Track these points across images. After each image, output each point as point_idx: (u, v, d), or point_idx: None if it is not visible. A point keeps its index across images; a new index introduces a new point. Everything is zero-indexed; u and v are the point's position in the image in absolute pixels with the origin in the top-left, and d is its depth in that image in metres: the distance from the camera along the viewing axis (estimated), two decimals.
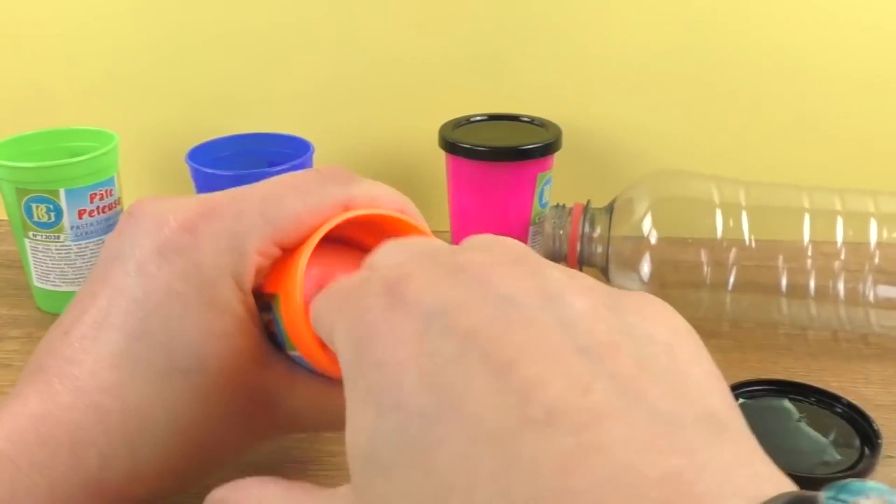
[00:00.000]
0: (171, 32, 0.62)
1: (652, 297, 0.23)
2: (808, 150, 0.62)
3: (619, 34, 0.61)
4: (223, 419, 0.31)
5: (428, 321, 0.21)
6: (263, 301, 0.33)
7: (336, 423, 0.31)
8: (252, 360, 0.32)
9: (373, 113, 0.64)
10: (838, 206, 0.48)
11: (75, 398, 0.29)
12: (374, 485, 0.21)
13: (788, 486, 0.17)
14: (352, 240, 0.34)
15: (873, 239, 0.47)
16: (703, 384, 0.20)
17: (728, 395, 0.20)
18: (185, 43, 0.63)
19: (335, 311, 0.25)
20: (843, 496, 0.16)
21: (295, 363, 0.33)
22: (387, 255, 0.26)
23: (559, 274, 0.22)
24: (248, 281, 0.31)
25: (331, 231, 0.32)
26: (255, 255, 0.31)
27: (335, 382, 0.32)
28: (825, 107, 0.61)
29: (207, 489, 0.27)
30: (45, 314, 0.54)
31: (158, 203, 0.33)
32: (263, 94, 0.64)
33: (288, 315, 0.31)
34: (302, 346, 0.31)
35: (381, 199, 0.33)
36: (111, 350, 0.30)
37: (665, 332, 0.21)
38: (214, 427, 0.31)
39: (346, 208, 0.32)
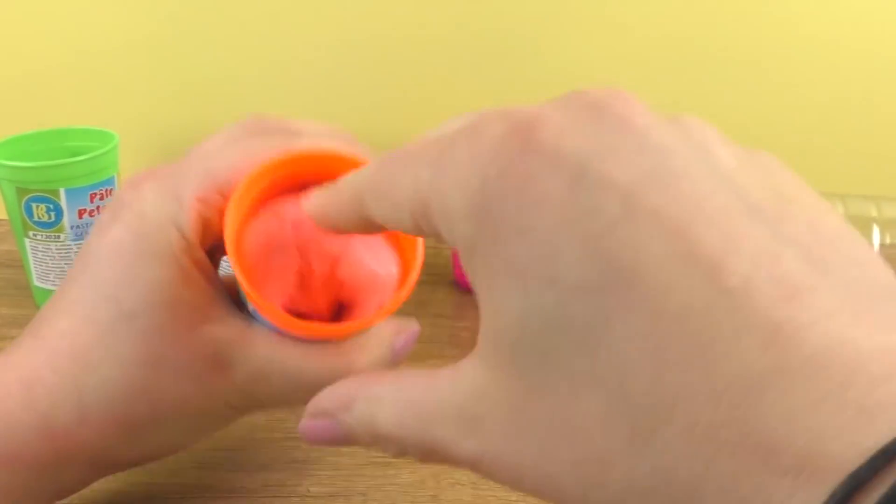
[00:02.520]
0: (172, 32, 0.62)
1: (769, 156, 0.20)
2: (809, 156, 0.62)
3: (620, 35, 0.61)
4: (171, 370, 0.31)
5: (579, 172, 0.18)
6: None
7: (302, 391, 0.31)
8: (199, 311, 0.32)
9: (373, 112, 0.64)
10: (840, 211, 0.48)
11: (33, 344, 0.32)
12: (532, 377, 0.18)
13: None
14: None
15: (876, 244, 0.47)
16: (868, 252, 0.18)
17: (884, 264, 0.18)
18: (185, 43, 0.63)
19: (425, 173, 0.20)
20: None
21: (254, 320, 0.33)
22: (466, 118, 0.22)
23: (689, 119, 0.20)
24: (191, 229, 0.32)
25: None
26: (195, 202, 0.32)
27: (299, 343, 0.32)
28: (827, 112, 0.61)
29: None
30: None
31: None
32: (263, 95, 0.64)
33: (232, 264, 0.31)
34: (249, 297, 0.31)
35: (324, 142, 0.33)
36: (68, 300, 0.32)
37: (805, 194, 0.19)
38: (161, 377, 0.31)
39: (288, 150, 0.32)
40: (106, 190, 0.52)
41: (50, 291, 0.53)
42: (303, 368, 0.32)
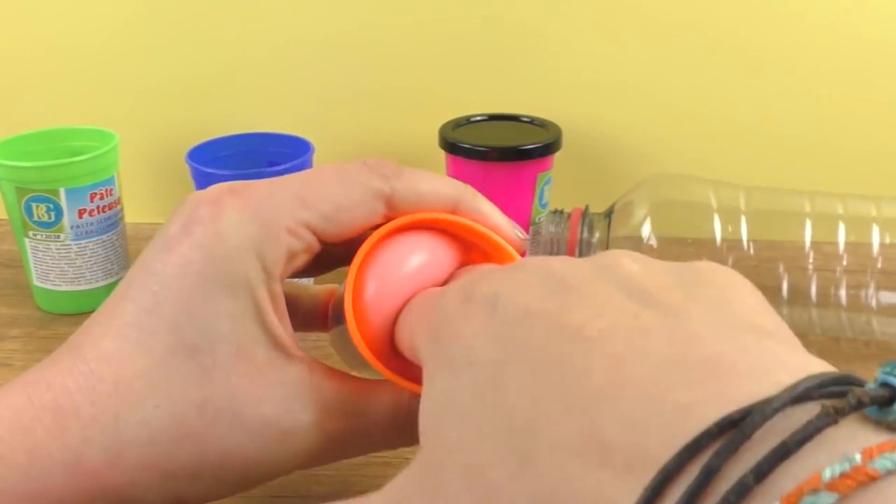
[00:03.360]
0: (172, 32, 0.62)
1: (709, 262, 0.24)
2: (809, 155, 0.62)
3: (619, 36, 0.61)
4: (227, 417, 0.28)
5: (494, 301, 0.23)
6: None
7: (384, 434, 0.31)
8: (271, 354, 0.29)
9: (373, 113, 0.64)
10: (840, 211, 0.48)
11: (73, 364, 0.28)
12: (449, 434, 0.22)
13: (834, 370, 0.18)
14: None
15: (876, 244, 0.47)
16: (754, 309, 0.21)
17: (780, 321, 0.21)
18: (185, 43, 0.63)
19: (416, 316, 0.27)
20: None
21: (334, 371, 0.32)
22: None
23: (608, 253, 0.24)
24: (275, 261, 0.29)
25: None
26: (284, 233, 0.29)
27: (363, 382, 0.31)
28: (827, 112, 0.61)
29: None
30: (45, 314, 0.54)
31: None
32: (263, 94, 0.64)
33: (347, 316, 0.30)
34: (356, 342, 0.30)
35: (425, 193, 0.31)
36: (120, 321, 0.29)
37: (720, 280, 0.22)
38: (214, 425, 0.28)
39: (388, 202, 0.31)
40: (106, 190, 0.52)
41: (50, 291, 0.53)
42: (381, 404, 0.31)
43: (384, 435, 0.32)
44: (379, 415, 0.31)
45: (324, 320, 0.36)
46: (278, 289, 0.30)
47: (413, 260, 0.31)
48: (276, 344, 0.29)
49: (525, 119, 0.58)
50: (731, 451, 0.16)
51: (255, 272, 0.29)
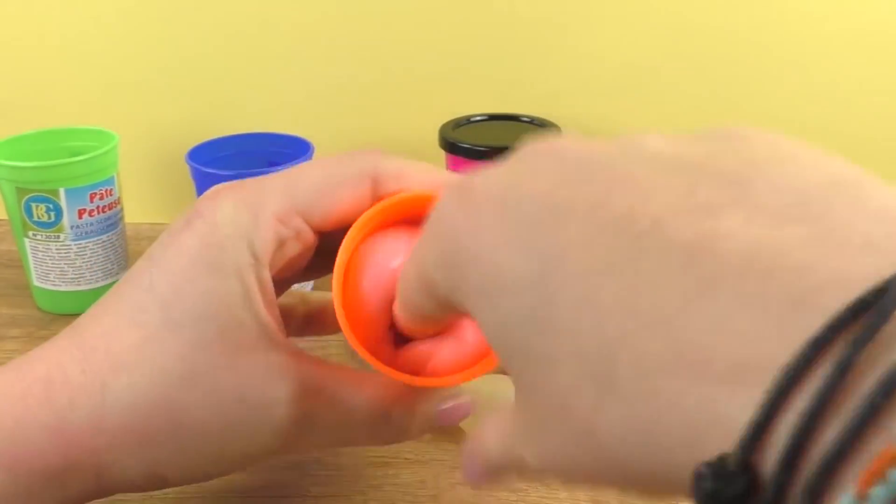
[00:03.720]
0: (172, 32, 0.62)
1: (733, 124, 0.21)
2: None
3: (619, 35, 0.61)
4: (204, 392, 0.29)
5: (503, 199, 0.20)
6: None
7: (348, 431, 0.31)
8: (250, 334, 0.30)
9: (373, 112, 0.64)
10: None
11: (70, 342, 0.30)
12: (520, 373, 0.20)
13: None
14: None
15: None
16: (818, 155, 0.18)
17: (850, 164, 0.18)
18: (185, 43, 0.63)
19: (424, 245, 0.23)
20: None
21: (321, 360, 0.32)
22: None
23: (625, 135, 0.21)
24: (263, 248, 0.30)
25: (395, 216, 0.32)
26: (273, 220, 0.31)
27: (354, 380, 0.31)
28: (827, 111, 0.61)
29: None
30: (45, 314, 0.54)
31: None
32: (263, 94, 0.64)
33: (337, 308, 0.30)
34: (344, 332, 0.30)
35: (411, 173, 0.32)
36: (118, 300, 0.31)
37: (762, 136, 0.19)
38: (192, 396, 0.29)
39: (374, 179, 0.32)
40: (106, 190, 0.52)
41: (50, 291, 0.53)
42: (360, 400, 0.31)
43: (367, 427, 0.32)
44: (361, 404, 0.31)
45: (321, 324, 0.37)
46: (267, 275, 0.31)
47: (402, 245, 0.31)
48: (261, 327, 0.30)
49: (525, 119, 0.58)
50: (868, 338, 0.13)
51: (245, 258, 0.30)
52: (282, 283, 0.33)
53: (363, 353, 0.30)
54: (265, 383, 0.30)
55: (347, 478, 0.39)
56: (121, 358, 0.29)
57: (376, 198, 0.32)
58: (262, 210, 0.31)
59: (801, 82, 0.61)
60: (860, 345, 0.13)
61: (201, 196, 0.32)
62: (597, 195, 0.18)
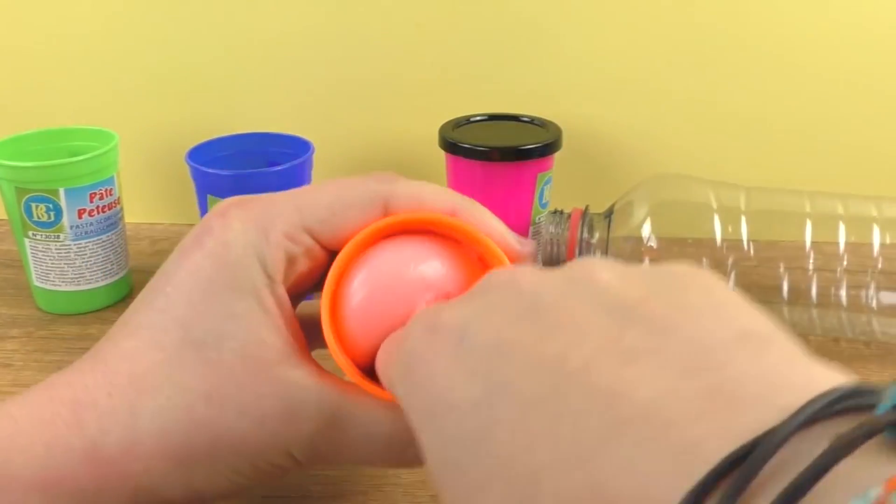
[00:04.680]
0: (172, 33, 0.62)
1: (684, 263, 0.23)
2: (809, 156, 0.62)
3: (619, 36, 0.61)
4: (234, 408, 0.30)
5: (462, 331, 0.23)
6: None
7: (375, 448, 0.31)
8: (271, 351, 0.30)
9: (373, 112, 0.64)
10: (840, 211, 0.48)
11: (93, 365, 0.30)
12: (450, 488, 0.21)
13: (843, 380, 0.17)
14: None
15: (876, 244, 0.47)
16: (742, 312, 0.20)
17: (766, 318, 0.20)
18: (185, 43, 0.63)
19: (384, 356, 0.27)
20: None
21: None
22: None
23: (579, 262, 0.24)
24: (275, 266, 0.31)
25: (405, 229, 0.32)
26: (282, 238, 0.31)
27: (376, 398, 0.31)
28: (827, 112, 0.61)
29: None
30: (44, 314, 0.54)
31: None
32: (263, 94, 0.64)
33: (324, 327, 0.31)
34: (333, 354, 0.31)
35: (425, 197, 0.32)
36: (136, 322, 0.31)
37: (700, 282, 0.21)
38: (224, 414, 0.30)
39: (386, 205, 0.32)
40: (106, 190, 0.52)
41: (50, 291, 0.53)
42: (379, 422, 0.31)
43: (382, 451, 0.32)
44: (376, 428, 0.31)
45: None
46: (282, 292, 0.31)
47: (403, 264, 0.31)
48: (281, 344, 0.31)
49: (525, 119, 0.58)
50: (739, 490, 0.15)
51: (260, 278, 0.31)
52: (294, 298, 0.33)
53: (350, 372, 0.30)
54: (289, 400, 0.30)
55: (347, 478, 0.39)
56: (145, 380, 0.30)
57: None
58: (271, 227, 0.31)
59: (800, 83, 0.61)
60: (732, 497, 0.15)
61: (210, 212, 0.32)
62: (539, 334, 0.21)
